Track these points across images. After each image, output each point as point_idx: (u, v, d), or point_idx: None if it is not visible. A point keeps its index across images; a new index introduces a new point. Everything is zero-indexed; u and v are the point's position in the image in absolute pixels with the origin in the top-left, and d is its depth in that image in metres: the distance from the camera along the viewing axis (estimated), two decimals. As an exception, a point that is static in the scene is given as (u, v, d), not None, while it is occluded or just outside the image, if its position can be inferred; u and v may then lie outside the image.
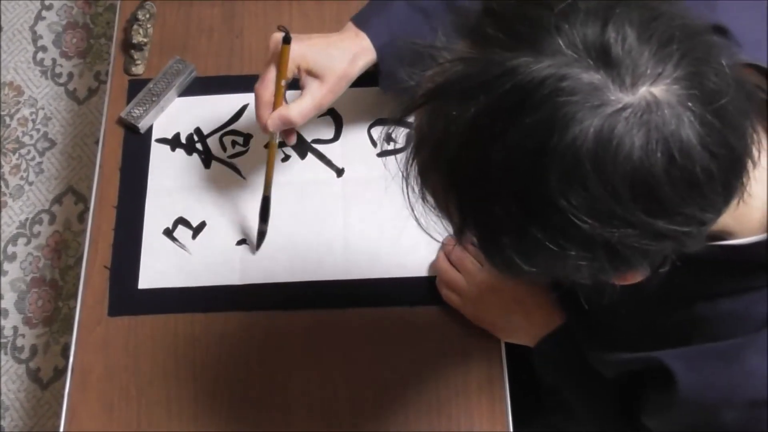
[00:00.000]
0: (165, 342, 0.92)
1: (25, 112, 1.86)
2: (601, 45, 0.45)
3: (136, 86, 1.04)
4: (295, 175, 0.99)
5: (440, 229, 0.57)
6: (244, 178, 1.00)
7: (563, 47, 0.46)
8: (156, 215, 0.98)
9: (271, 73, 0.84)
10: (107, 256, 0.96)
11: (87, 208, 1.67)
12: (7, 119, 1.85)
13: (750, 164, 0.50)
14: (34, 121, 1.85)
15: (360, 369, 0.90)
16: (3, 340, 1.67)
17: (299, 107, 0.84)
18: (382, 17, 0.87)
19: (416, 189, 0.54)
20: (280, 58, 0.83)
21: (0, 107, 1.86)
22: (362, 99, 0.90)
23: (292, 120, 0.84)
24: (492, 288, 0.88)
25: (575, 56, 0.45)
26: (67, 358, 0.94)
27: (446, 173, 0.50)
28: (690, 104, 0.46)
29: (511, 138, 0.46)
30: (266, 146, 1.00)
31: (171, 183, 1.00)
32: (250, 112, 1.03)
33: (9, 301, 1.70)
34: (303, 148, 1.00)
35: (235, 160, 1.01)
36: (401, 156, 0.55)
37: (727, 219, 0.54)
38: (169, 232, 0.97)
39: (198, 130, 1.02)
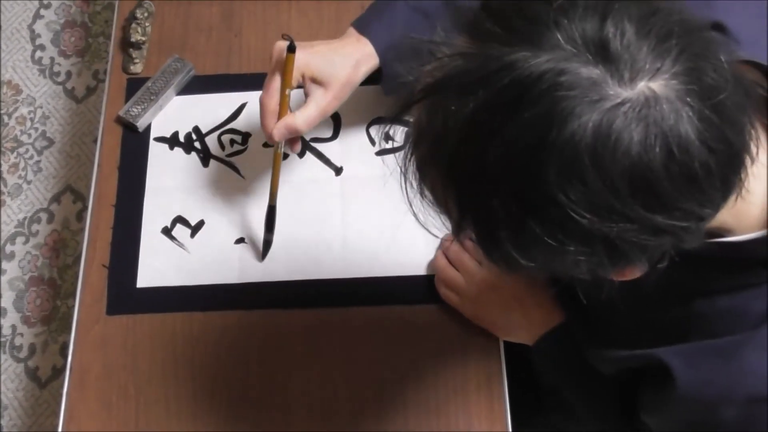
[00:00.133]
0: (163, 341, 0.92)
1: (24, 110, 1.86)
2: (599, 40, 0.46)
3: (134, 85, 1.04)
4: (294, 174, 0.99)
5: (438, 225, 0.57)
6: (242, 176, 0.99)
7: (562, 42, 0.46)
8: (154, 214, 0.98)
9: (276, 83, 0.84)
10: (106, 255, 0.96)
11: (85, 207, 1.66)
12: (6, 118, 1.85)
13: (748, 160, 0.50)
14: (32, 119, 1.85)
15: (359, 368, 0.90)
16: (1, 339, 1.66)
17: (304, 115, 0.84)
18: (384, 21, 0.87)
19: (415, 185, 0.54)
20: (284, 67, 0.83)
21: (-2, 106, 1.86)
22: (361, 98, 0.90)
23: (298, 129, 0.84)
24: (491, 286, 0.88)
25: (574, 51, 0.45)
26: (65, 357, 0.94)
27: (445, 168, 0.50)
28: (688, 99, 0.46)
29: (510, 132, 0.46)
30: (265, 145, 1.00)
31: (169, 182, 1.00)
32: (249, 110, 1.03)
33: (7, 300, 1.70)
34: (302, 146, 1.00)
35: (233, 159, 1.00)
36: (400, 154, 0.55)
37: (725, 216, 0.55)
38: (167, 231, 0.97)
39: (196, 129, 1.02)
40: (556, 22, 0.46)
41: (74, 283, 1.60)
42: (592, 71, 0.45)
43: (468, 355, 0.90)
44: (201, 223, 0.97)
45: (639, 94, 0.45)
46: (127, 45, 1.07)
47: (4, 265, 1.73)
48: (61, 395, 0.91)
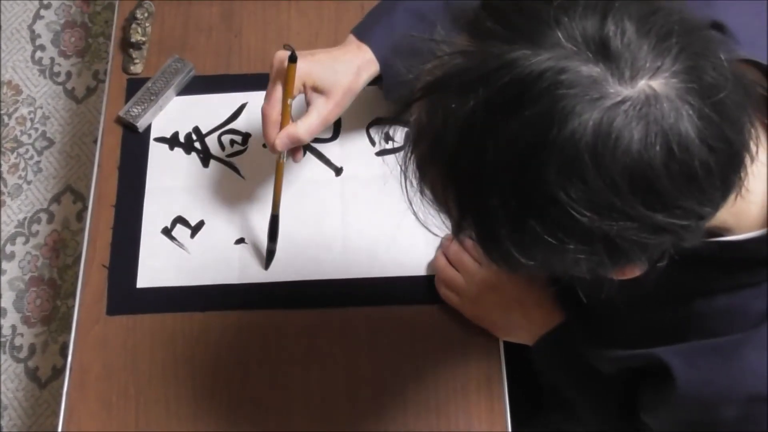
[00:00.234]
0: (163, 341, 0.92)
1: (24, 111, 1.86)
2: (600, 38, 0.46)
3: (134, 85, 1.04)
4: (294, 175, 0.99)
5: (438, 224, 0.57)
6: (242, 177, 0.99)
7: (562, 40, 0.46)
8: (154, 214, 0.98)
9: (278, 93, 0.84)
10: (106, 255, 0.96)
11: (85, 207, 1.66)
12: (6, 118, 1.85)
13: (748, 159, 0.50)
14: (32, 120, 1.85)
15: (359, 367, 0.90)
16: (1, 339, 1.66)
17: (306, 125, 0.84)
18: (384, 27, 0.87)
19: (415, 183, 0.54)
20: (286, 77, 0.83)
21: (-2, 107, 1.86)
22: (361, 98, 0.90)
23: (301, 138, 0.84)
24: (491, 286, 0.87)
25: (574, 49, 0.46)
26: (65, 357, 0.93)
27: (445, 167, 0.50)
28: (688, 98, 0.46)
29: (510, 131, 0.46)
30: (265, 146, 1.00)
31: (169, 182, 1.00)
32: (249, 111, 1.03)
33: (7, 300, 1.70)
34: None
35: (233, 159, 1.00)
36: (400, 154, 0.55)
37: (724, 215, 0.55)
38: (167, 231, 0.97)
39: (196, 129, 1.02)
40: (557, 21, 0.46)
41: (74, 283, 1.60)
42: (592, 69, 0.45)
43: (468, 355, 0.90)
44: (201, 224, 0.97)
45: (639, 93, 0.45)
46: (127, 45, 1.07)
47: (4, 265, 1.73)
48: (61, 395, 0.91)
